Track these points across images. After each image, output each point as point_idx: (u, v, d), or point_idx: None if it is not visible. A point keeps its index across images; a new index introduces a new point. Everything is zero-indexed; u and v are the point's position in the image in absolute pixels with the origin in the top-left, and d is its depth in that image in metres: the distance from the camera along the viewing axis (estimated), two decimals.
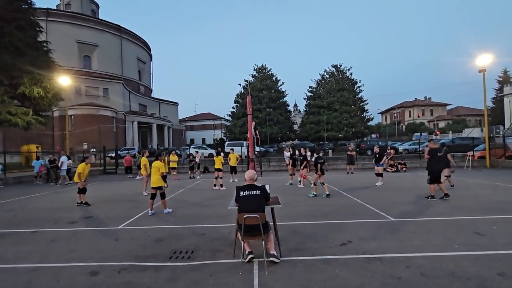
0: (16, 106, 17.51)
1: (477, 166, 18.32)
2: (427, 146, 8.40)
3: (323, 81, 39.61)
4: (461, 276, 3.19)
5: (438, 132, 48.92)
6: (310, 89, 40.25)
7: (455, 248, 4.08)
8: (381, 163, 11.13)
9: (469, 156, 17.87)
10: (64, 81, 19.71)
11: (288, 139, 39.99)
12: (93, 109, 36.18)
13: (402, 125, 68.91)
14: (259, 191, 3.80)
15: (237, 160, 13.91)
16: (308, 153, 12.88)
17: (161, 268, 3.69)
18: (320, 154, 9.13)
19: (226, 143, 32.21)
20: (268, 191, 3.99)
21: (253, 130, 14.64)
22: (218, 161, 11.58)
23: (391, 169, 16.85)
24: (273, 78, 38.95)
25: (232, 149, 13.87)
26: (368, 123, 39.40)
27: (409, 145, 30.64)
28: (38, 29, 19.24)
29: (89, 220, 6.61)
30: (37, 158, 16.44)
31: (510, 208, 6.50)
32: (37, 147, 24.10)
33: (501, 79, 53.29)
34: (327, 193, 8.73)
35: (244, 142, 24.81)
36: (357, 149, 26.10)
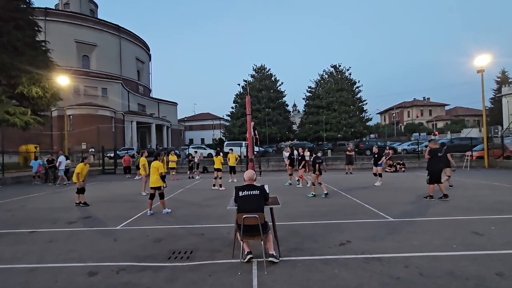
0: (15, 105, 17.44)
1: (475, 166, 18.37)
2: (427, 146, 8.40)
3: (322, 81, 39.67)
4: (460, 276, 3.20)
5: (436, 132, 49.04)
6: (309, 89, 40.33)
7: (453, 248, 4.09)
8: (379, 163, 11.15)
9: (468, 156, 17.91)
10: (62, 81, 19.63)
11: (287, 139, 40.01)
12: (92, 109, 36.08)
13: (400, 125, 69.07)
14: (258, 191, 3.80)
15: (236, 160, 13.90)
16: (307, 153, 12.90)
17: (160, 268, 3.68)
18: (318, 154, 9.14)
19: (225, 143, 32.19)
20: (267, 191, 3.99)
21: (252, 130, 14.63)
22: (218, 161, 11.57)
23: (390, 169, 16.88)
24: (272, 78, 38.97)
25: (231, 149, 13.85)
26: (367, 123, 39.53)
27: (408, 145, 30.74)
28: (36, 28, 19.17)
29: (88, 220, 6.59)
30: (36, 158, 16.37)
31: (508, 208, 6.52)
32: (35, 147, 24.02)
33: (499, 79, 53.53)
34: (326, 192, 8.75)
35: (243, 142, 24.82)
36: (356, 149, 26.13)
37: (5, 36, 16.49)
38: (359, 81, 39.24)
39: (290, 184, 11.79)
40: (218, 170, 11.33)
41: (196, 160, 16.90)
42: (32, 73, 17.12)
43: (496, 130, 34.06)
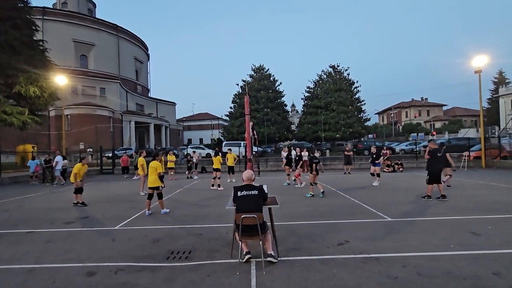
0: (12, 105, 17.36)
1: (472, 166, 18.46)
2: (427, 146, 8.44)
3: (320, 82, 39.70)
4: (457, 276, 3.22)
5: (434, 133, 49.23)
6: (307, 89, 40.34)
7: (451, 247, 4.11)
8: (377, 162, 11.18)
9: (465, 156, 18.00)
10: (60, 80, 19.55)
11: (285, 139, 40.02)
12: (90, 108, 35.94)
13: (399, 126, 69.27)
14: (257, 191, 3.80)
15: (234, 160, 13.89)
16: (306, 153, 12.92)
17: (159, 268, 3.68)
18: (316, 154, 9.16)
19: (224, 143, 32.16)
20: (266, 191, 3.99)
21: (250, 130, 14.63)
22: (217, 161, 11.56)
23: (388, 169, 16.94)
24: (271, 78, 38.94)
25: (230, 149, 13.85)
26: (365, 124, 39.55)
27: (406, 146, 30.85)
28: (34, 27, 19.09)
29: (86, 220, 6.57)
30: (33, 158, 16.29)
31: (505, 208, 6.56)
32: (33, 147, 23.89)
33: (496, 80, 53.85)
34: (322, 191, 8.85)
35: (242, 142, 24.79)
36: (354, 149, 26.21)
37: (2, 35, 16.40)
38: (357, 81, 39.28)
39: (289, 184, 11.80)
40: (217, 170, 11.32)
41: (194, 160, 16.88)
42: (30, 72, 17.04)
43: (493, 131, 34.29)
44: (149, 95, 54.14)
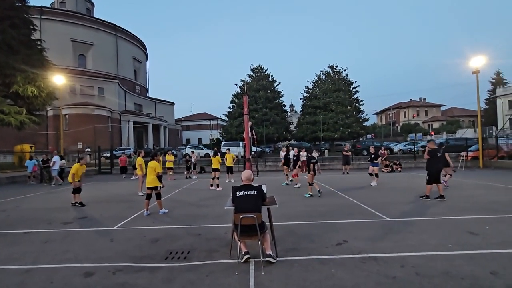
0: (9, 105, 17.27)
1: (470, 166, 18.55)
2: (426, 146, 8.46)
3: (319, 82, 39.75)
4: (455, 275, 3.23)
5: (432, 133, 49.39)
6: (306, 89, 40.38)
7: (449, 247, 4.13)
8: (375, 162, 11.21)
9: (463, 156, 18.08)
10: (58, 80, 19.47)
11: (284, 139, 40.03)
12: (88, 108, 35.81)
13: (397, 126, 69.44)
14: (256, 191, 3.80)
15: (233, 160, 13.89)
16: (304, 153, 12.93)
17: (157, 268, 3.67)
18: (313, 154, 9.18)
19: (223, 143, 32.13)
20: (265, 191, 3.99)
21: (249, 130, 14.63)
22: (216, 161, 11.55)
23: (386, 170, 16.98)
24: (270, 79, 38.95)
25: (229, 149, 13.84)
26: (364, 124, 39.63)
27: (404, 146, 30.93)
28: (32, 27, 19.02)
29: (84, 220, 6.54)
30: (31, 158, 16.23)
31: (502, 208, 6.60)
32: (30, 147, 23.79)
33: (494, 80, 54.09)
34: (318, 189, 8.92)
35: (241, 142, 24.79)
36: (353, 150, 26.27)
37: (0, 34, 16.31)
38: (356, 81, 39.42)
39: (287, 184, 11.81)
40: (216, 170, 11.31)
41: (193, 160, 16.87)
42: (27, 72, 16.96)
43: (491, 131, 34.44)
44: (147, 95, 54.03)
